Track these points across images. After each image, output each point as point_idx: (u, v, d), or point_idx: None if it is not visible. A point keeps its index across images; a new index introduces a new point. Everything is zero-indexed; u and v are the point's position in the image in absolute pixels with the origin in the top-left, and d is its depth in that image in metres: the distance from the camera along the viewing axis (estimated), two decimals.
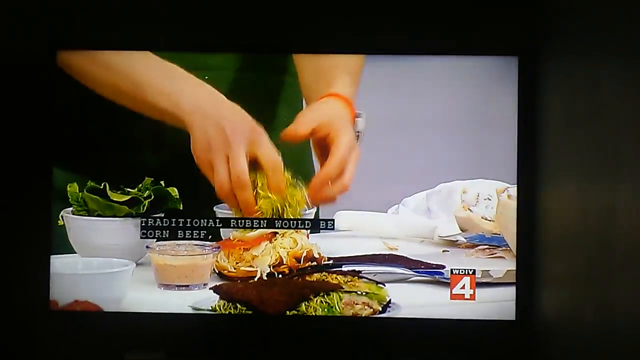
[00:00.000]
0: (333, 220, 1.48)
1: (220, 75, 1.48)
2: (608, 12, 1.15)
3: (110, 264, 1.45)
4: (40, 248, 1.47)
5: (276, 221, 1.46)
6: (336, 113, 1.45)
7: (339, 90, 1.46)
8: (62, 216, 1.47)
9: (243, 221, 1.46)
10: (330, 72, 1.48)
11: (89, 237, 1.47)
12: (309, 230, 1.47)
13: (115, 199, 1.46)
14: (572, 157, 1.31)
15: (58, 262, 1.47)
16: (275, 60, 1.52)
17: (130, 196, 1.46)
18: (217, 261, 1.47)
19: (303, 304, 1.42)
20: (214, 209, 1.47)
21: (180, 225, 1.47)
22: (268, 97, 1.51)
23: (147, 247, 1.46)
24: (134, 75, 1.44)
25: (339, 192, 1.44)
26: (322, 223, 1.47)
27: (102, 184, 1.46)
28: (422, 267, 1.47)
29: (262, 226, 1.45)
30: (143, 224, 1.46)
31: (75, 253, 1.48)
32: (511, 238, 1.46)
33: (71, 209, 1.47)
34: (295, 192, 1.45)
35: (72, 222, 1.47)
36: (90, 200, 1.45)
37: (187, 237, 1.47)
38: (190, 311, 1.44)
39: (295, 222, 1.46)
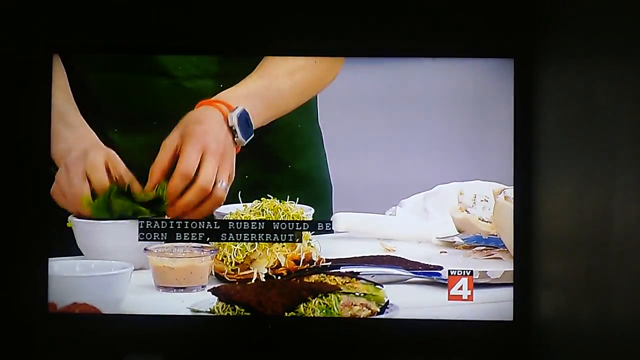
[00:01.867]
0: (330, 222, 1.48)
1: (232, 83, 1.49)
2: (603, 14, 1.16)
3: (109, 267, 1.45)
4: (39, 250, 1.47)
5: (274, 223, 1.46)
6: (188, 121, 1.45)
7: (221, 96, 1.47)
8: (70, 219, 1.47)
9: (241, 224, 1.46)
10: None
11: (96, 240, 1.47)
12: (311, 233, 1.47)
13: (139, 200, 1.46)
14: (568, 158, 1.31)
15: (56, 265, 1.46)
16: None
17: (153, 196, 1.46)
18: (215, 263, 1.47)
19: (301, 306, 1.43)
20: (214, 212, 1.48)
21: (179, 227, 1.47)
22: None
23: (145, 249, 1.46)
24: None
25: (211, 206, 1.46)
26: (320, 225, 1.47)
27: (126, 186, 1.46)
28: (420, 268, 1.48)
29: (259, 228, 1.46)
30: (141, 227, 1.46)
31: (81, 255, 1.48)
32: (508, 239, 1.47)
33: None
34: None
35: (79, 225, 1.47)
36: (115, 202, 1.45)
37: (185, 239, 1.47)
38: (189, 313, 1.44)
39: (292, 224, 1.46)
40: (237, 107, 1.45)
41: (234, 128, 1.45)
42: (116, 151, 1.48)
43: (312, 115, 1.52)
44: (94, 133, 1.47)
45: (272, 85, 1.49)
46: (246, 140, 1.46)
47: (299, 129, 1.53)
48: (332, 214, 1.49)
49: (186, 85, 1.50)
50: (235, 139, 1.45)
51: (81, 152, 1.46)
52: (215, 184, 1.44)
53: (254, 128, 1.47)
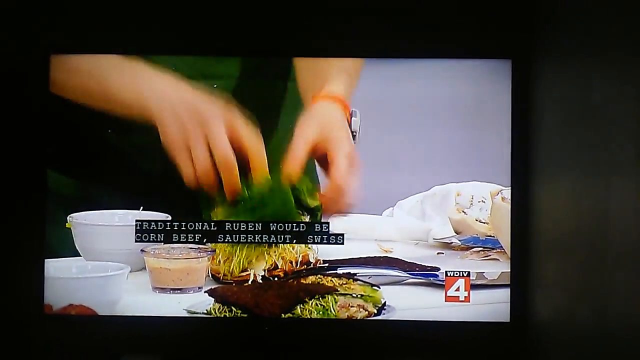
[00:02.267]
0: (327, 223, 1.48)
1: (225, 83, 1.48)
2: (600, 14, 1.16)
3: (105, 268, 1.45)
4: (35, 252, 1.46)
5: (271, 224, 1.46)
6: (329, 121, 1.45)
7: (333, 90, 1.46)
8: (69, 220, 1.47)
9: (238, 224, 1.45)
10: (326, 72, 1.48)
11: (94, 242, 1.46)
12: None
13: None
14: (565, 158, 1.31)
15: (52, 266, 1.46)
16: (276, 65, 1.51)
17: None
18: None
19: (298, 307, 1.42)
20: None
21: (175, 228, 1.46)
22: (272, 103, 1.50)
23: (141, 250, 1.45)
24: (100, 76, 1.44)
25: (344, 207, 1.46)
26: (317, 226, 1.47)
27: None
28: (417, 269, 1.48)
29: (256, 230, 1.45)
30: (138, 228, 1.46)
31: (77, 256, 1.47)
32: (505, 240, 1.47)
33: (78, 213, 1.46)
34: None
35: (78, 227, 1.47)
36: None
37: (182, 240, 1.46)
38: (185, 314, 1.44)
39: (290, 225, 1.46)
40: (353, 110, 1.46)
41: (355, 133, 1.45)
42: (113, 152, 1.47)
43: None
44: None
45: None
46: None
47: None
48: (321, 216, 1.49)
49: None
50: (353, 140, 1.46)
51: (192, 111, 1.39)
52: None
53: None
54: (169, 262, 1.45)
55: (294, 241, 1.46)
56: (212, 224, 1.46)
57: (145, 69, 1.43)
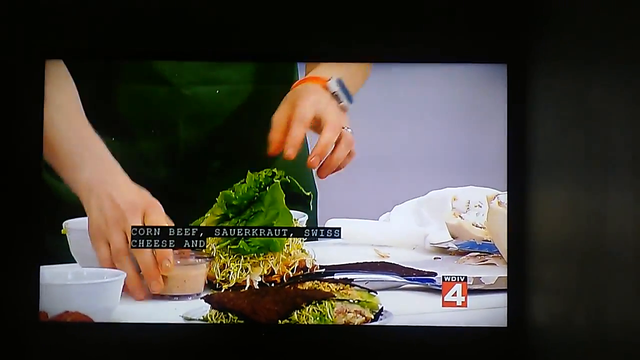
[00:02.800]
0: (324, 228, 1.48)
1: (231, 89, 1.49)
2: (596, 18, 1.16)
3: (101, 274, 1.44)
4: (30, 258, 1.45)
5: (268, 230, 1.45)
6: (318, 100, 1.46)
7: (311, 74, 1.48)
8: (65, 225, 1.46)
9: (235, 230, 1.45)
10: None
11: (90, 248, 1.44)
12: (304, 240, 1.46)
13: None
14: (561, 163, 1.31)
15: (47, 273, 1.45)
16: (281, 70, 1.52)
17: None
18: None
19: (295, 313, 1.42)
20: None
21: (170, 234, 1.46)
22: (276, 107, 1.49)
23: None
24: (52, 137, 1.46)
25: (346, 153, 1.47)
26: (322, 231, 1.47)
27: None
28: (414, 274, 1.47)
29: (260, 234, 1.45)
30: (134, 234, 1.45)
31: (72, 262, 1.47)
32: (502, 245, 1.47)
33: (74, 219, 1.46)
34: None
35: (73, 233, 1.46)
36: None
37: (177, 246, 1.45)
38: (182, 321, 1.43)
39: (287, 231, 1.45)
40: (331, 77, 1.47)
41: (336, 93, 1.46)
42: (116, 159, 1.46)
43: None
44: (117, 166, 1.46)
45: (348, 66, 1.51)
46: (350, 103, 1.47)
47: None
48: (317, 221, 1.49)
49: (184, 92, 1.49)
50: (341, 104, 1.46)
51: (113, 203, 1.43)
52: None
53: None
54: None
55: (291, 235, 1.45)
56: (207, 230, 1.45)
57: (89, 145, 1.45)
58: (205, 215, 1.46)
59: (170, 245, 1.44)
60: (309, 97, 1.46)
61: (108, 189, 1.43)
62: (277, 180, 1.44)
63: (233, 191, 1.44)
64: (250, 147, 1.50)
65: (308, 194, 1.46)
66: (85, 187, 1.43)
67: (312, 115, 1.45)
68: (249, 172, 1.44)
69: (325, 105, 1.46)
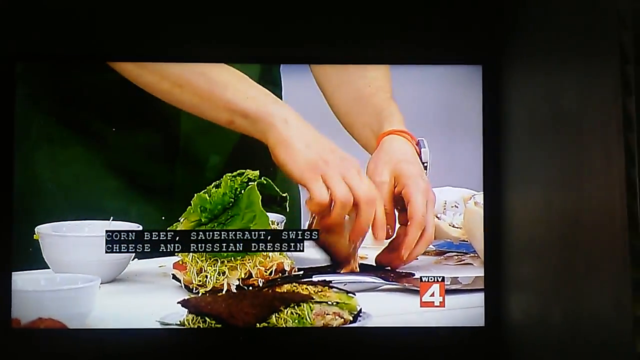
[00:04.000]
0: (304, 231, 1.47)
1: None
2: (570, 19, 1.17)
3: (75, 280, 1.42)
4: (2, 264, 1.42)
5: (246, 233, 1.44)
6: (404, 158, 1.43)
7: (396, 125, 1.44)
8: (37, 231, 1.44)
9: (211, 233, 1.44)
10: (372, 99, 1.47)
11: (65, 253, 1.43)
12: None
13: None
14: (536, 163, 1.32)
15: (19, 279, 1.42)
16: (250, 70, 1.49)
17: None
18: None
19: (273, 316, 1.41)
20: None
21: (146, 239, 1.44)
22: None
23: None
24: (211, 74, 1.40)
25: (425, 247, 1.45)
26: (292, 233, 1.46)
27: None
28: (392, 275, 1.47)
29: (230, 238, 1.43)
30: (108, 239, 1.43)
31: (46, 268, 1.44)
32: (479, 244, 1.48)
33: (46, 225, 1.43)
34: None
35: (46, 238, 1.43)
36: None
37: (153, 251, 1.44)
38: (158, 326, 1.42)
39: (264, 234, 1.45)
40: (420, 140, 1.45)
41: (426, 165, 1.44)
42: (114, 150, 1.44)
43: None
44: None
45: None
46: None
47: None
48: (301, 223, 1.48)
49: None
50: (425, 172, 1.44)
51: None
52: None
53: None
54: None
55: (269, 238, 1.44)
56: (183, 234, 1.44)
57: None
58: (180, 221, 1.44)
59: (146, 250, 1.43)
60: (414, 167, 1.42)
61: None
62: (253, 183, 1.42)
63: (208, 195, 1.43)
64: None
65: (284, 195, 1.45)
66: (280, 116, 1.39)
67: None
68: (225, 176, 1.43)
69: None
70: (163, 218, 1.45)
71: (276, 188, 1.43)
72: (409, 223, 1.43)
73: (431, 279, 1.47)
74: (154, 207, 1.47)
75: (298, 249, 1.43)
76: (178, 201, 1.45)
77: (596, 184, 1.08)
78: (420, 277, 1.47)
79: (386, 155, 1.44)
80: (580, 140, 1.13)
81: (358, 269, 1.45)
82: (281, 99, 1.49)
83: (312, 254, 1.47)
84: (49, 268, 1.44)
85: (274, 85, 1.49)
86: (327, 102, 1.48)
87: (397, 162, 1.44)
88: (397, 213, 1.45)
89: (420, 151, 1.46)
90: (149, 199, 1.47)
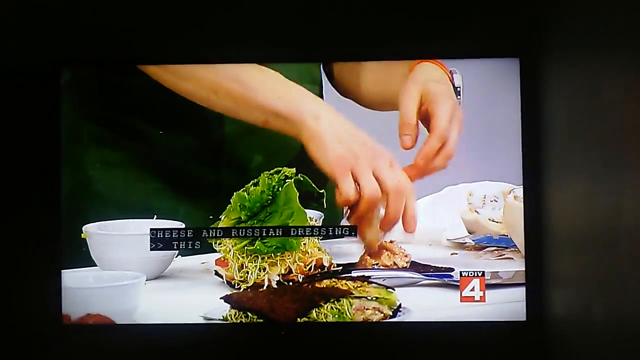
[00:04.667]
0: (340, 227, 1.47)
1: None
2: (609, 10, 1.15)
3: (121, 277, 1.46)
4: (52, 262, 1.48)
5: (292, 229, 1.45)
6: (431, 78, 1.45)
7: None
8: (85, 230, 1.48)
9: (252, 230, 1.46)
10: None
11: (111, 251, 1.47)
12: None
13: None
14: (576, 156, 1.31)
15: (69, 276, 1.47)
16: (289, 68, 1.50)
17: None
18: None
19: (314, 311, 1.43)
20: None
21: (190, 236, 1.47)
22: None
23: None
24: (243, 78, 1.44)
25: (444, 161, 1.44)
26: (331, 230, 1.47)
27: None
28: (431, 270, 1.47)
29: (278, 234, 1.46)
30: (152, 237, 1.47)
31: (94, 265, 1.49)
32: (519, 239, 1.46)
33: (93, 224, 1.48)
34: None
35: (93, 237, 1.48)
36: None
37: (195, 248, 1.47)
38: (202, 321, 1.45)
39: (303, 230, 1.46)
40: (452, 69, 1.47)
41: (458, 89, 1.45)
42: (160, 152, 1.49)
43: None
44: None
45: None
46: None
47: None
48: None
49: None
50: (459, 99, 1.45)
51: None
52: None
53: None
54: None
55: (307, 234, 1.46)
56: (225, 230, 1.46)
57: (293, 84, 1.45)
58: (221, 219, 1.47)
59: (189, 247, 1.46)
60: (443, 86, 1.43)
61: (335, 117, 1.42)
62: (290, 180, 1.44)
63: (247, 193, 1.45)
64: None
65: (321, 191, 1.46)
66: (311, 113, 1.41)
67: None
68: (262, 174, 1.45)
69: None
70: (211, 217, 1.48)
71: (313, 185, 1.45)
72: (429, 134, 1.43)
73: (471, 273, 1.46)
74: (199, 206, 1.50)
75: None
76: (224, 200, 1.47)
77: (637, 176, 1.06)
78: (460, 272, 1.46)
79: (416, 76, 1.45)
80: (622, 132, 1.11)
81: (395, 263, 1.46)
82: (322, 97, 1.51)
83: (351, 250, 1.48)
84: (96, 266, 1.49)
85: (313, 84, 1.51)
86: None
87: (426, 81, 1.44)
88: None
89: (452, 76, 1.46)
90: (195, 199, 1.51)
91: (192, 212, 1.50)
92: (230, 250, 1.46)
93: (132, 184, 1.50)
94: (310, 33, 1.52)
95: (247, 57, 1.47)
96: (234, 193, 1.46)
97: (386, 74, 1.50)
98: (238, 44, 1.51)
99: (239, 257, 1.46)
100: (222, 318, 1.44)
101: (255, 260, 1.45)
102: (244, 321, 1.44)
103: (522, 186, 1.47)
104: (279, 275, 1.45)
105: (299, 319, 1.43)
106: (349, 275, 1.46)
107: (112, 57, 1.51)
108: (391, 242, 1.47)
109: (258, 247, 1.44)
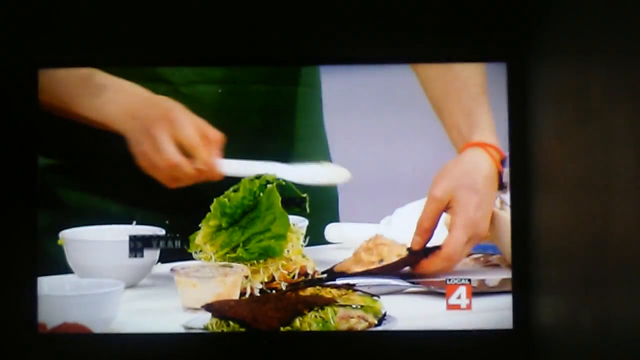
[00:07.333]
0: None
1: (233, 89, 1.47)
2: (597, 16, 1.15)
3: (99, 285, 1.42)
4: (28, 269, 1.44)
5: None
6: (468, 183, 1.41)
7: (487, 134, 1.40)
8: (61, 236, 1.45)
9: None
10: (462, 95, 1.43)
11: (88, 258, 1.44)
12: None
13: None
14: (563, 163, 1.30)
15: (45, 284, 1.44)
16: (285, 71, 1.50)
17: None
18: None
19: (297, 320, 1.40)
20: None
21: (169, 244, 1.45)
22: (283, 109, 1.48)
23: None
24: (60, 93, 1.43)
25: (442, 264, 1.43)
26: None
27: None
28: (417, 277, 1.45)
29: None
30: (132, 246, 1.44)
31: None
32: (505, 247, 1.45)
33: (70, 230, 1.45)
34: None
35: (71, 244, 1.45)
36: None
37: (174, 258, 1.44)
38: (183, 330, 1.42)
39: None
40: (504, 159, 1.41)
41: (505, 185, 1.42)
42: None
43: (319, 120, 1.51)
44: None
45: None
46: None
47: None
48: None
49: (183, 91, 1.47)
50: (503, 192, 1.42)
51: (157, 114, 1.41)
52: None
53: None
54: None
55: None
56: None
57: (106, 83, 1.43)
58: (200, 227, 1.44)
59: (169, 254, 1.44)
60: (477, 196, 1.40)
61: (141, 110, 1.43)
62: (272, 185, 1.42)
63: (228, 200, 1.42)
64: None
65: (303, 195, 1.44)
66: (118, 119, 1.42)
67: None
68: (243, 180, 1.42)
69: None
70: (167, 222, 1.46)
71: (295, 189, 1.43)
72: (436, 250, 1.42)
73: (458, 281, 1.45)
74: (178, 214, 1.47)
75: None
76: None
77: (625, 184, 1.05)
78: (446, 279, 1.45)
79: (455, 170, 1.41)
80: (609, 138, 1.10)
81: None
82: (320, 100, 1.49)
83: (335, 256, 1.46)
84: (73, 273, 1.46)
85: (311, 87, 1.49)
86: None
87: (460, 186, 1.41)
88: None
89: (502, 171, 1.42)
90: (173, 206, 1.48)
91: (172, 219, 1.47)
92: (211, 258, 1.43)
93: (110, 189, 1.47)
94: (303, 36, 1.51)
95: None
96: (214, 199, 1.43)
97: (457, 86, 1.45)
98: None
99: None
100: (203, 327, 1.41)
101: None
102: (225, 330, 1.41)
103: (509, 194, 1.45)
104: (261, 283, 1.43)
105: (282, 328, 1.41)
106: (334, 283, 1.44)
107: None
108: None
109: (240, 254, 1.42)
